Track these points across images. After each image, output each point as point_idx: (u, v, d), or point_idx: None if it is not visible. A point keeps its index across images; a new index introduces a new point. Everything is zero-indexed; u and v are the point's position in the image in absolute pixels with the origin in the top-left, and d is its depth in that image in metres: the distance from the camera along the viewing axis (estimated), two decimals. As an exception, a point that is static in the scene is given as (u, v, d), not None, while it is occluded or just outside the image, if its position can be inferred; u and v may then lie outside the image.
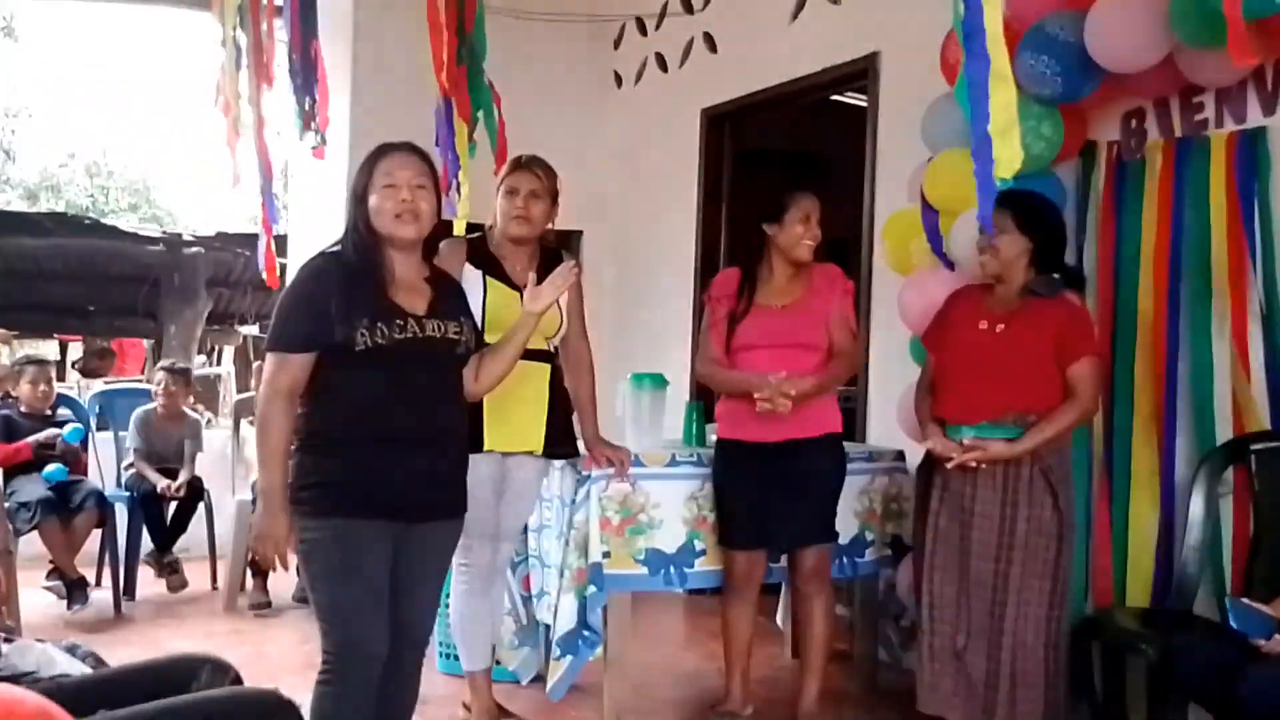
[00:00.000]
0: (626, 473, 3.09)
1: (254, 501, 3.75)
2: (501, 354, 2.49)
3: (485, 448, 2.86)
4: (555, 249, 3.12)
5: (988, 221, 2.32)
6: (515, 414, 2.90)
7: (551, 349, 3.03)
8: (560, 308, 2.97)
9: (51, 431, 4.56)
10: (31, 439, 4.49)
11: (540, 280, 2.94)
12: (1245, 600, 2.54)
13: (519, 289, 2.89)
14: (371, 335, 2.17)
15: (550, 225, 3.02)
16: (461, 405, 2.39)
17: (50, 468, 4.44)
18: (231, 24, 3.75)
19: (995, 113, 2.06)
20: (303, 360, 2.19)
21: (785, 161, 5.64)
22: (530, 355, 2.91)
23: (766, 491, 3.02)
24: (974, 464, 2.74)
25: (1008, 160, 2.06)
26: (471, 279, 2.88)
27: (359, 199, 2.29)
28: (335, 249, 2.32)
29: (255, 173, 4.07)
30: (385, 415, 2.20)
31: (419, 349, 2.24)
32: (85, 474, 4.70)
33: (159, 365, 5.22)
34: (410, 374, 2.23)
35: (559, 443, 3.01)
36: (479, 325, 2.85)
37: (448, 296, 2.39)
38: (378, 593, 2.21)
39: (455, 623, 3.00)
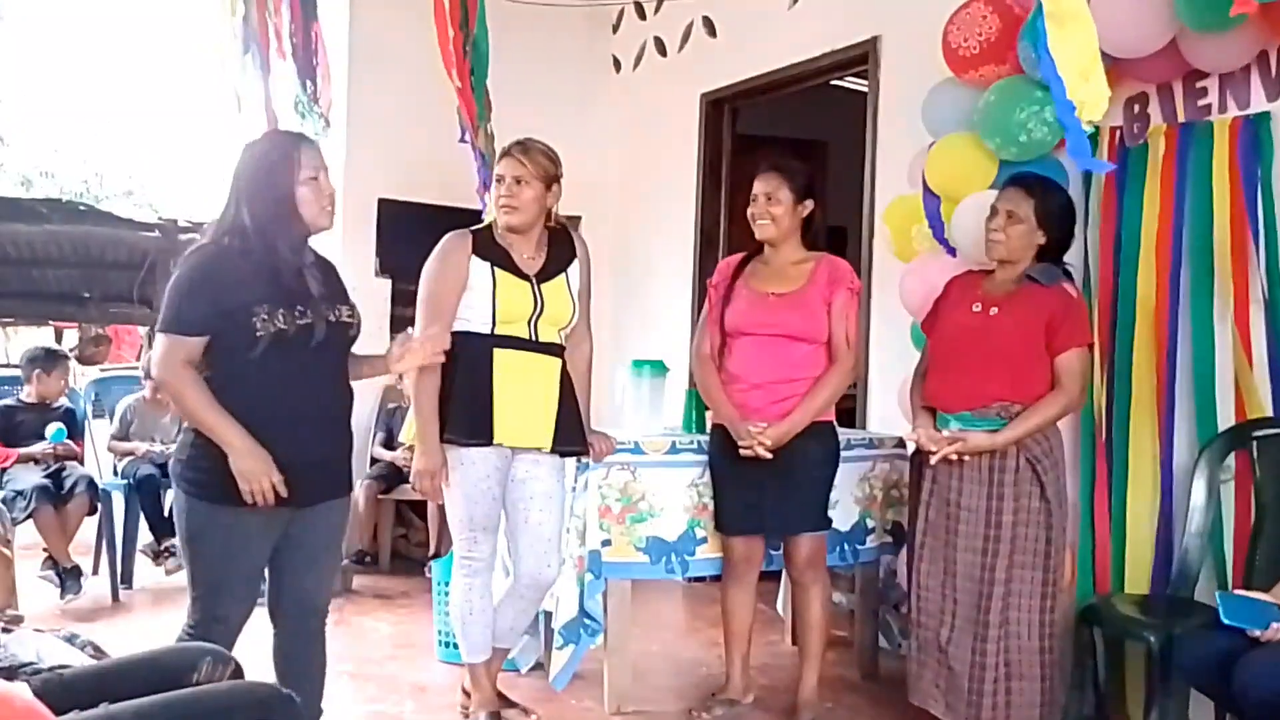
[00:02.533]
0: (603, 459, 3.07)
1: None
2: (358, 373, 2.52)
3: (494, 440, 2.82)
4: (564, 229, 3.00)
5: (1085, 159, 2.24)
6: (525, 408, 2.84)
7: (563, 341, 2.94)
8: (571, 295, 2.93)
9: (45, 448, 4.62)
10: (25, 452, 4.56)
11: (544, 260, 2.90)
12: (1239, 592, 2.51)
13: (529, 278, 2.87)
14: (273, 320, 2.19)
15: (550, 208, 2.91)
16: (349, 387, 2.44)
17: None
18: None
19: (1075, 55, 2.02)
20: (199, 341, 2.21)
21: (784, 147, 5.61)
22: (542, 349, 2.88)
23: (758, 478, 2.99)
24: (956, 456, 2.73)
25: (1093, 101, 2.03)
26: (479, 271, 2.83)
27: (284, 189, 2.27)
28: (224, 235, 2.28)
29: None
30: (283, 403, 2.23)
31: (316, 334, 2.26)
32: (81, 462, 4.72)
33: (142, 364, 5.28)
34: (307, 360, 2.26)
35: (570, 439, 2.93)
36: (491, 317, 2.83)
37: (333, 280, 2.43)
38: (252, 578, 2.33)
39: (455, 616, 2.96)
